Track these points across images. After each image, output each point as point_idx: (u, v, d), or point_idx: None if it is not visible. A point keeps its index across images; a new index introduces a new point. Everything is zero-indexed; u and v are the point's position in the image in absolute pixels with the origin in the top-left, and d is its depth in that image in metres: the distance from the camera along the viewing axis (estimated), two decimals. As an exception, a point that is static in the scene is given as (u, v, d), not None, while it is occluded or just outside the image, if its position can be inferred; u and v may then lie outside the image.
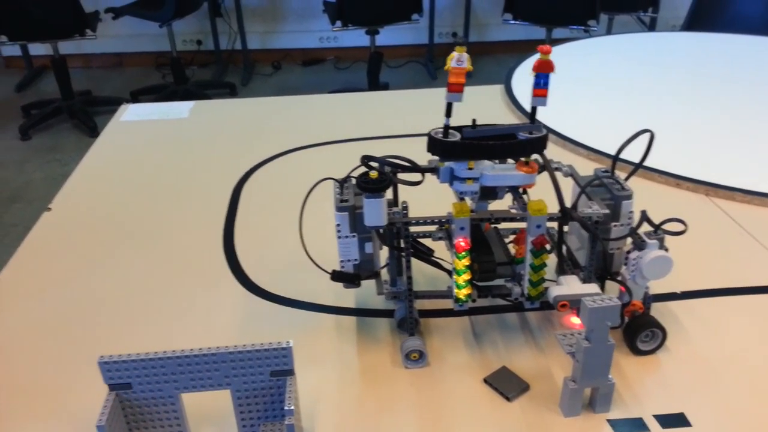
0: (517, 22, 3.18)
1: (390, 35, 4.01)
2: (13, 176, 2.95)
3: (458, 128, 0.63)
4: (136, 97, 3.67)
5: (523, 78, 1.47)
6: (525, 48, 1.66)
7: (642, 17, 3.56)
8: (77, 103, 3.41)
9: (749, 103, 1.32)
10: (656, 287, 0.79)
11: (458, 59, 0.58)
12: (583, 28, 3.09)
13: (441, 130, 0.62)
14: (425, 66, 4.18)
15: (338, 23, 3.16)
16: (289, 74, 4.16)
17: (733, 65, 1.54)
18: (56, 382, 0.68)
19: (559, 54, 1.63)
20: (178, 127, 1.30)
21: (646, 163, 1.06)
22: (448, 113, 0.61)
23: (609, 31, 3.72)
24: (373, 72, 3.40)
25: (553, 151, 1.16)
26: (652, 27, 3.84)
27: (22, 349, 0.72)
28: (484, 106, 1.37)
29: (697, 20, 2.51)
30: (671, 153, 1.11)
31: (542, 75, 0.61)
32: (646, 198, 0.99)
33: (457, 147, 0.61)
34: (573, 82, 1.45)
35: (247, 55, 4.08)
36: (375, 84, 3.43)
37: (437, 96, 1.44)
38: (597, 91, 1.40)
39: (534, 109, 0.63)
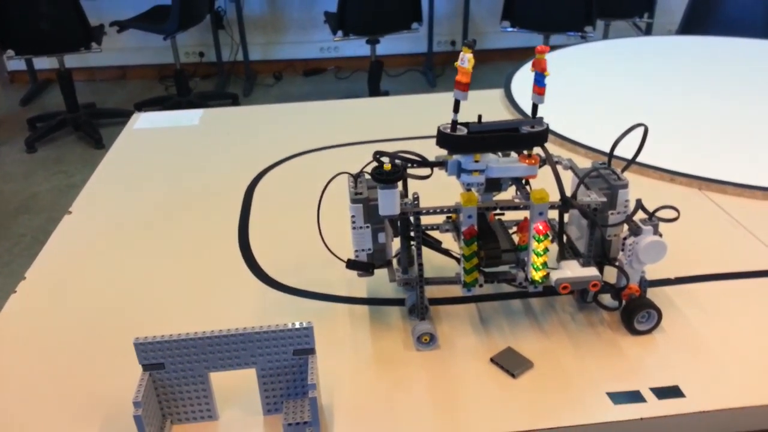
0: (515, 29, 3.24)
1: (390, 44, 4.07)
2: (21, 188, 2.99)
3: (465, 124, 0.67)
4: (140, 108, 3.73)
5: (522, 82, 1.52)
6: (523, 55, 1.71)
7: (638, 23, 3.63)
8: (82, 115, 3.46)
9: (739, 101, 1.37)
10: (653, 274, 0.83)
11: (462, 59, 0.62)
12: (580, 34, 3.15)
13: (449, 125, 0.66)
14: (424, 74, 4.24)
15: (339, 33, 3.22)
16: (291, 84, 4.22)
17: (723, 67, 1.59)
18: (89, 368, 0.72)
19: (557, 59, 1.68)
20: (189, 134, 1.35)
21: (644, 161, 1.11)
22: (456, 109, 0.65)
23: (605, 37, 3.78)
24: (374, 81, 3.46)
25: (553, 151, 1.20)
26: (648, 32, 3.90)
27: (56, 339, 0.76)
28: (484, 110, 1.41)
29: (692, 24, 2.57)
30: (666, 150, 1.15)
31: (539, 74, 0.65)
32: (642, 193, 1.04)
33: (465, 140, 0.65)
34: (571, 86, 1.49)
35: (248, 66, 4.14)
36: (376, 92, 3.49)
37: (435, 101, 1.49)
38: (595, 94, 1.45)
39: (535, 105, 0.68)
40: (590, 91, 1.46)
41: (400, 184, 0.72)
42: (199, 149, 1.27)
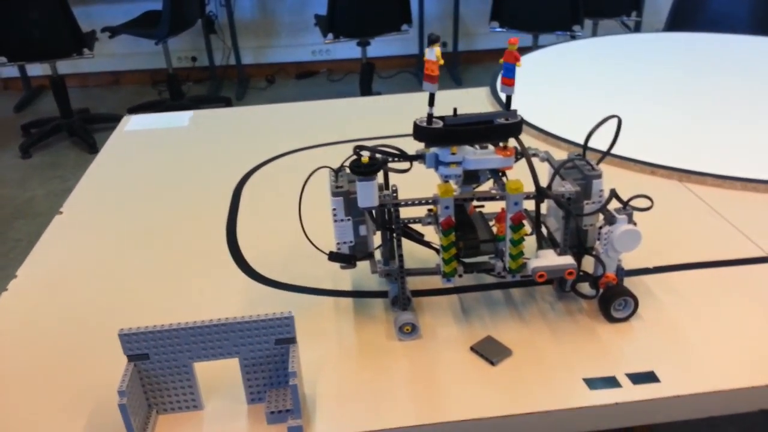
0: (504, 29, 3.26)
1: (381, 46, 4.09)
2: (16, 194, 3.00)
3: (441, 117, 0.69)
4: (133, 113, 3.73)
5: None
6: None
7: (626, 21, 3.65)
8: (76, 120, 3.47)
9: (720, 95, 1.39)
10: (632, 263, 0.85)
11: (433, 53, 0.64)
12: (568, 33, 3.17)
13: (425, 118, 0.68)
14: (416, 75, 4.26)
15: (330, 36, 3.24)
16: (283, 87, 4.24)
17: (705, 62, 1.61)
18: (79, 362, 0.73)
19: (544, 56, 1.70)
20: (179, 135, 1.37)
21: (626, 154, 1.13)
22: (431, 103, 0.67)
23: (594, 36, 3.81)
24: (365, 82, 3.47)
25: (537, 146, 1.22)
26: (637, 31, 3.92)
27: (46, 335, 0.78)
28: (471, 108, 1.43)
29: (678, 22, 2.60)
30: (648, 143, 1.17)
31: (509, 65, 0.67)
32: (624, 185, 1.06)
33: (441, 133, 0.67)
34: (557, 82, 1.51)
35: (241, 70, 4.16)
36: (367, 94, 3.51)
37: (422, 99, 1.51)
38: (580, 90, 1.46)
39: (509, 97, 0.70)
40: (574, 87, 1.48)
41: (382, 176, 0.74)
42: (188, 149, 1.28)
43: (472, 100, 1.47)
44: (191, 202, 1.08)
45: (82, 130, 3.42)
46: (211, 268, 0.89)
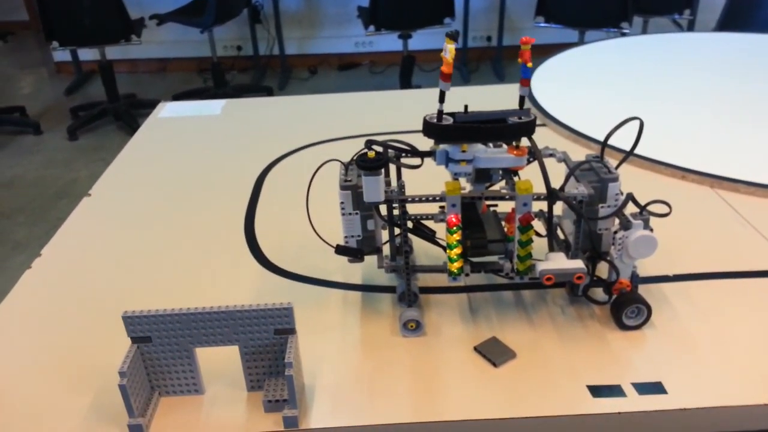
0: (550, 25, 3.20)
1: (424, 39, 4.06)
2: (61, 174, 3.11)
3: (452, 114, 0.68)
4: (178, 99, 3.81)
5: (543, 77, 1.51)
6: (558, 51, 1.71)
7: (678, 20, 3.53)
8: (122, 105, 3.57)
9: (762, 99, 1.33)
10: (651, 270, 0.82)
11: (444, 49, 0.63)
12: (616, 30, 3.09)
13: (436, 115, 0.67)
14: (458, 69, 4.22)
15: (371, 28, 3.24)
16: (325, 78, 4.26)
17: (748, 64, 1.55)
18: (92, 342, 0.75)
19: (587, 53, 1.66)
20: (210, 123, 1.39)
21: (657, 157, 1.10)
22: (441, 99, 0.66)
23: (644, 34, 3.69)
24: (405, 75, 3.46)
25: (567, 145, 1.19)
26: (690, 29, 3.79)
27: (63, 314, 0.80)
28: (504, 104, 1.40)
29: (731, 20, 2.50)
30: (681, 147, 1.13)
31: (525, 66, 0.65)
32: (652, 189, 1.03)
33: (450, 130, 0.66)
34: (597, 81, 1.48)
35: (284, 60, 4.20)
36: (407, 87, 3.49)
37: (463, 94, 1.49)
38: (619, 89, 1.42)
39: (522, 97, 0.68)
40: (613, 86, 1.44)
41: (393, 171, 0.73)
42: (217, 138, 1.30)
43: (507, 98, 1.44)
44: (214, 190, 1.09)
45: (128, 115, 3.51)
46: (226, 256, 0.91)
